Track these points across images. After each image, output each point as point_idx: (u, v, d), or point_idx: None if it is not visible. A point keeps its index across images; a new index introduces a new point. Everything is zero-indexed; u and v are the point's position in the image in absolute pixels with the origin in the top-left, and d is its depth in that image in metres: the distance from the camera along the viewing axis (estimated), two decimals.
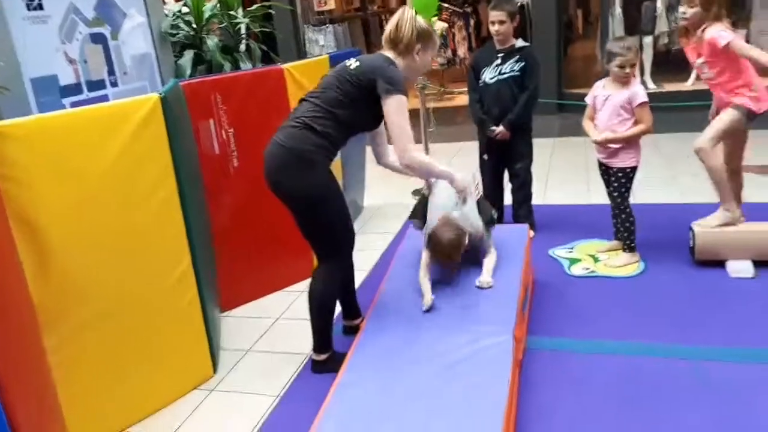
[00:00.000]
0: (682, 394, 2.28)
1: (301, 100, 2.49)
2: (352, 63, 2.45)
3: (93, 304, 2.24)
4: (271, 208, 2.57)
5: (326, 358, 2.60)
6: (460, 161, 5.92)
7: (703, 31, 2.95)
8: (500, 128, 3.67)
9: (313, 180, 2.37)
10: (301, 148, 2.34)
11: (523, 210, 3.86)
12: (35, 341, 2.01)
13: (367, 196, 4.76)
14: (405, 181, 5.30)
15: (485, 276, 2.68)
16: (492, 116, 3.70)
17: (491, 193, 3.97)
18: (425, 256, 2.73)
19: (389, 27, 2.47)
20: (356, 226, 3.36)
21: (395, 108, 2.36)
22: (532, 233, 3.39)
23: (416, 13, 2.45)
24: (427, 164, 2.53)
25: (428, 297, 2.56)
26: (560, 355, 2.59)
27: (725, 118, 2.98)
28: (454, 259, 2.63)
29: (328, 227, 2.49)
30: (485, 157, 3.91)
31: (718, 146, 3.07)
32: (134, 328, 2.38)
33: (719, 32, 2.90)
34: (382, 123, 2.61)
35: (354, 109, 2.41)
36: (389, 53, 2.48)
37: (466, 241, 2.64)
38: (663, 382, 2.36)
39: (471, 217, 2.73)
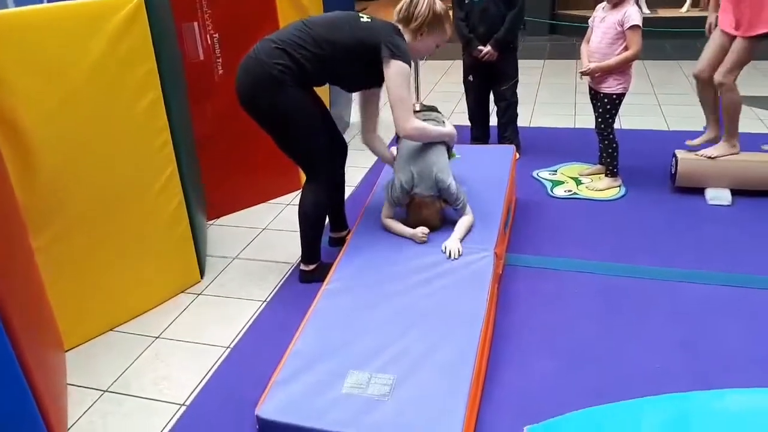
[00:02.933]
0: (654, 313, 2.38)
1: (298, 22, 2.41)
2: (365, 17, 2.40)
3: (77, 207, 2.23)
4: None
5: (314, 269, 2.66)
6: (448, 80, 5.85)
7: None
8: (487, 48, 3.60)
9: (278, 100, 2.33)
10: (270, 64, 2.28)
11: (509, 132, 3.86)
12: (24, 242, 2.02)
13: (354, 112, 4.70)
14: None
15: (452, 241, 2.43)
16: (478, 35, 3.62)
17: (476, 115, 3.96)
18: (388, 210, 2.63)
19: (405, 2, 2.43)
20: None
21: (395, 73, 2.32)
22: (517, 155, 3.41)
23: None
24: (424, 129, 2.51)
25: (411, 231, 2.50)
26: (538, 272, 2.68)
27: (739, 49, 2.89)
28: (434, 225, 2.54)
29: (299, 148, 2.49)
30: (470, 78, 3.85)
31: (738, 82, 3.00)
32: (120, 231, 2.39)
33: None
34: (375, 109, 2.66)
35: (341, 60, 2.36)
36: (399, 25, 2.44)
37: (441, 205, 2.56)
38: (636, 301, 2.45)
39: (439, 163, 2.55)
